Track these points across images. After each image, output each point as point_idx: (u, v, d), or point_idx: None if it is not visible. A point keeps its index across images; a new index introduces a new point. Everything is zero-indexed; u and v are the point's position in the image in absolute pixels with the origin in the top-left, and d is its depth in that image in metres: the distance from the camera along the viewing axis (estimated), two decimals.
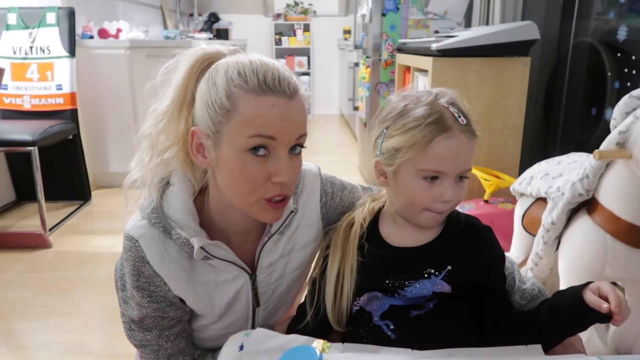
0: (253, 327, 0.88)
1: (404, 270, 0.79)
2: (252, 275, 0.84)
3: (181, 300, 0.80)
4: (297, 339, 0.68)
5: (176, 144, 0.77)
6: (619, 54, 1.98)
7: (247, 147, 0.70)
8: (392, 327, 0.78)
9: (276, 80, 0.70)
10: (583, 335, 0.84)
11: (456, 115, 0.75)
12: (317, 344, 0.63)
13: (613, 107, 1.24)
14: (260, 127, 0.69)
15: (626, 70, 1.92)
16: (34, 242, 2.42)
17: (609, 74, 2.04)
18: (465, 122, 0.75)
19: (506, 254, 0.89)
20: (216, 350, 0.89)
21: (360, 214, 0.87)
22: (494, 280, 0.81)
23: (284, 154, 0.72)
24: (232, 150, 0.71)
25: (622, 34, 1.95)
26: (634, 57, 1.86)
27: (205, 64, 0.75)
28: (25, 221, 2.77)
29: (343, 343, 0.66)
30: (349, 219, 0.87)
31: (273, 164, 0.72)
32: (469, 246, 0.81)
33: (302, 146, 0.76)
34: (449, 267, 0.77)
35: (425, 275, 0.77)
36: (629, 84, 1.89)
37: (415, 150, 0.74)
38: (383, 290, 0.80)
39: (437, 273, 0.77)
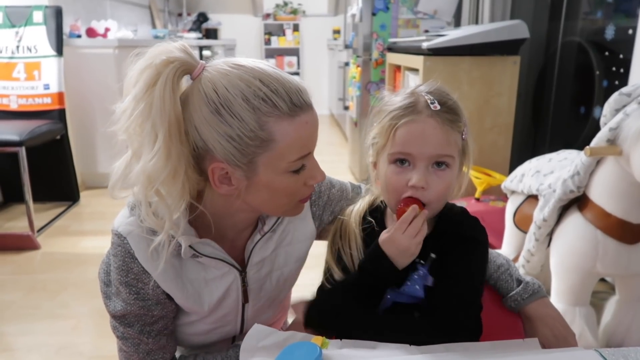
0: (242, 323, 0.88)
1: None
2: (242, 272, 0.84)
3: (168, 297, 0.80)
4: (294, 336, 0.67)
5: (182, 190, 0.71)
6: (606, 53, 2.00)
7: (291, 170, 0.72)
8: None
9: (300, 96, 0.70)
10: (575, 330, 0.85)
11: (429, 101, 0.75)
12: (316, 340, 0.63)
13: (601, 105, 1.25)
14: (302, 149, 0.71)
15: (614, 68, 1.94)
16: (22, 244, 2.39)
17: (597, 72, 2.06)
18: (438, 108, 0.74)
19: (499, 251, 0.89)
20: (206, 347, 0.89)
21: (354, 216, 0.86)
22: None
23: (313, 158, 0.75)
24: (273, 175, 0.71)
25: (609, 33, 1.98)
26: (621, 56, 1.88)
27: (178, 83, 0.71)
28: (12, 223, 2.73)
29: (341, 340, 0.66)
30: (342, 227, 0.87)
31: (307, 171, 0.74)
32: (453, 244, 0.79)
33: None
34: (432, 255, 0.76)
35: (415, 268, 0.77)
36: (616, 82, 1.92)
37: (385, 136, 0.76)
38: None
39: (423, 262, 0.77)
